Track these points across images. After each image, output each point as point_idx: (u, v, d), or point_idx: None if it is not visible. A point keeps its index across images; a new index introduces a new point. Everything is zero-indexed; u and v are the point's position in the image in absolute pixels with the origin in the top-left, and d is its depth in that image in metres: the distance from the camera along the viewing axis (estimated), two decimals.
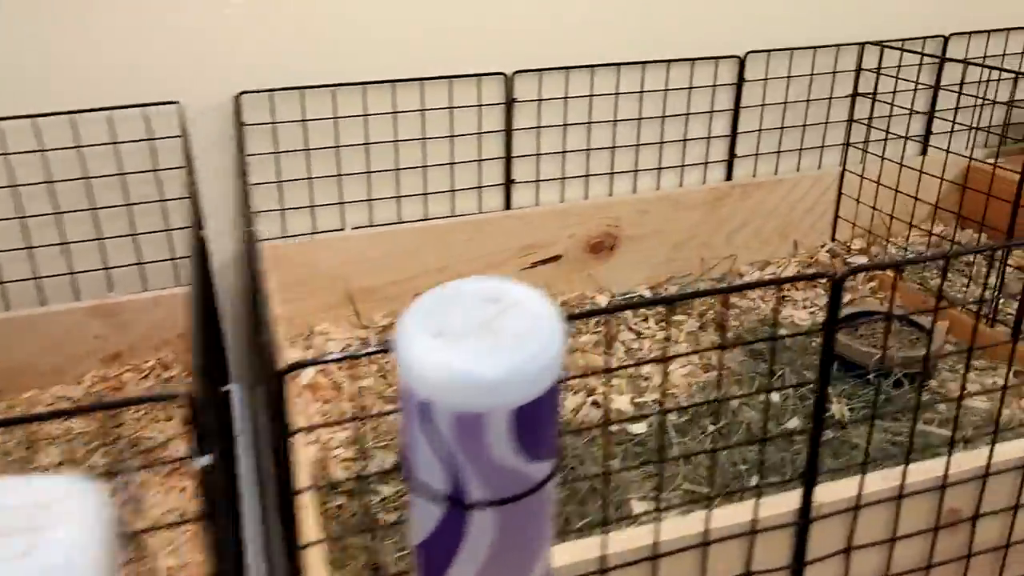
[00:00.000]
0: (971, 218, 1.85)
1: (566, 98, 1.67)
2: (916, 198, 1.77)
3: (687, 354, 1.53)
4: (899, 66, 1.76)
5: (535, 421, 0.45)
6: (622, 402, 1.40)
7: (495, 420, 0.44)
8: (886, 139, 1.84)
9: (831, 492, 0.81)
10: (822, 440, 1.29)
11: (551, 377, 0.44)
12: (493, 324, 0.45)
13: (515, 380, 0.43)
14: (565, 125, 1.69)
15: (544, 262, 1.74)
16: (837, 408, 1.33)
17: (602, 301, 1.75)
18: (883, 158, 1.80)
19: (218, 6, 1.41)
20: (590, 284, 1.78)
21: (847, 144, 1.86)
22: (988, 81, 1.87)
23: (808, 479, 0.78)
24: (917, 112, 1.90)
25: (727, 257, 1.87)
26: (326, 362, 1.44)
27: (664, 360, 0.79)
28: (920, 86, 1.84)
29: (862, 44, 1.78)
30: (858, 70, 1.81)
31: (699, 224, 1.82)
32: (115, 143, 1.38)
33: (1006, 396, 1.39)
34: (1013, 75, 1.57)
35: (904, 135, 1.86)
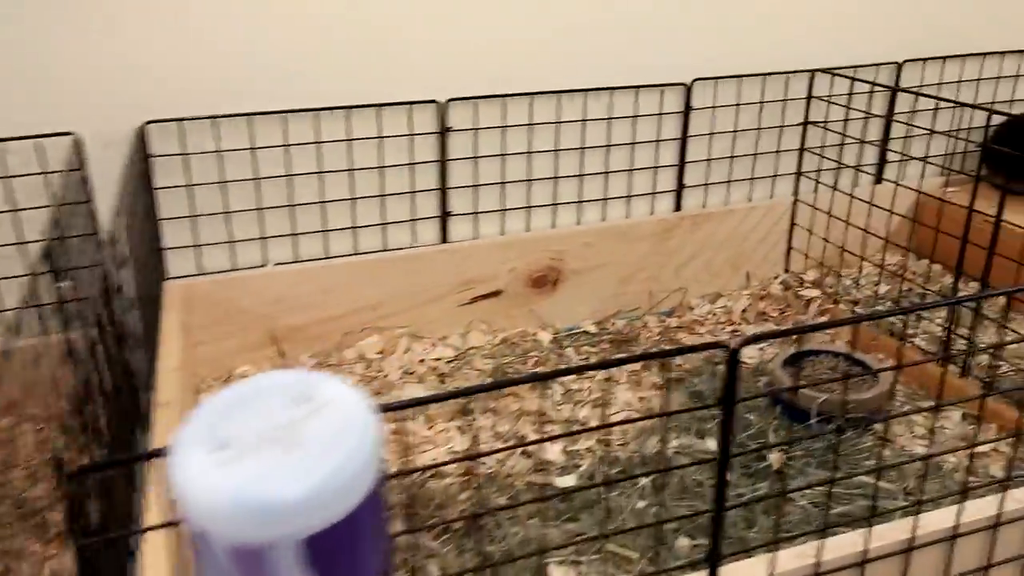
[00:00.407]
0: (923, 251, 1.79)
1: (504, 127, 1.60)
2: (866, 231, 1.70)
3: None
4: (850, 94, 1.71)
5: (339, 548, 0.37)
6: (553, 451, 1.32)
7: (282, 553, 0.36)
8: (839, 168, 1.78)
9: (735, 573, 0.73)
10: (757, 490, 1.23)
11: (360, 492, 0.36)
12: (296, 430, 0.37)
13: (310, 504, 0.35)
14: (503, 155, 1.62)
15: (484, 297, 1.66)
16: (775, 457, 1.25)
17: (544, 338, 1.67)
18: (835, 188, 1.74)
19: (120, 32, 1.33)
20: (532, 320, 1.70)
21: (799, 173, 1.79)
22: (938, 110, 1.81)
23: (712, 562, 0.70)
24: (868, 142, 1.85)
25: (677, 290, 1.80)
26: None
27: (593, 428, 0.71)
28: (869, 115, 1.79)
29: (812, 71, 1.73)
30: (809, 98, 1.75)
31: (647, 256, 1.75)
32: (6, 176, 1.29)
33: (951, 443, 1.32)
34: (960, 105, 1.51)
35: (857, 164, 1.80)
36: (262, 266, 1.53)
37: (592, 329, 1.72)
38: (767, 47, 1.73)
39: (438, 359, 1.59)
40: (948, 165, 1.95)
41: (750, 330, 1.74)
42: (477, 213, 1.65)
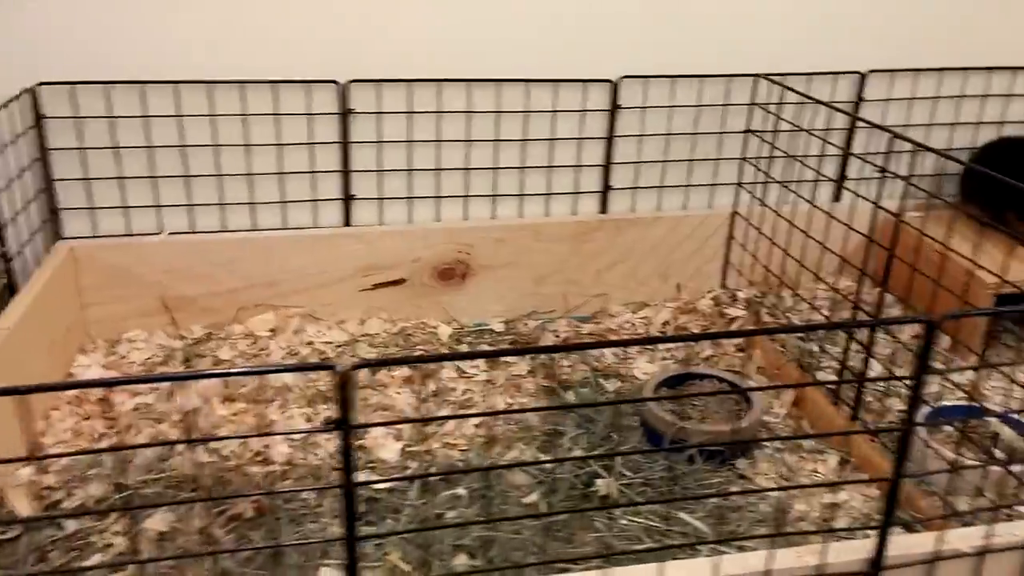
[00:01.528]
0: (877, 278, 1.66)
1: (410, 113, 1.56)
2: (796, 256, 1.59)
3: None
4: (801, 103, 1.59)
5: None
6: (391, 451, 1.28)
7: None
8: (787, 182, 1.66)
9: None
10: (585, 515, 1.14)
11: None
12: None
13: None
14: (410, 142, 1.58)
15: (386, 284, 1.64)
16: (605, 483, 1.18)
17: (444, 332, 1.63)
18: (762, 203, 1.62)
19: None
20: (437, 312, 1.66)
21: (739, 184, 1.69)
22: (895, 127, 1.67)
23: None
24: (804, 157, 1.72)
25: (597, 295, 1.73)
26: None
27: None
28: (801, 129, 1.66)
29: (756, 76, 1.62)
30: (751, 105, 1.64)
31: (565, 258, 1.69)
32: None
33: (803, 488, 1.22)
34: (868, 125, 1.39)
35: (796, 179, 1.68)
36: (157, 234, 1.54)
37: (499, 328, 1.67)
38: (707, 48, 1.63)
39: (328, 342, 1.58)
40: (918, 187, 1.80)
41: (666, 344, 1.65)
42: (382, 199, 1.62)
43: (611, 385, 1.49)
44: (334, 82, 1.50)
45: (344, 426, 0.62)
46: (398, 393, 1.43)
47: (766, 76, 1.59)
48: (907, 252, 1.73)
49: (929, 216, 1.73)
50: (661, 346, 1.64)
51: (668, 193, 1.73)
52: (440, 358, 1.43)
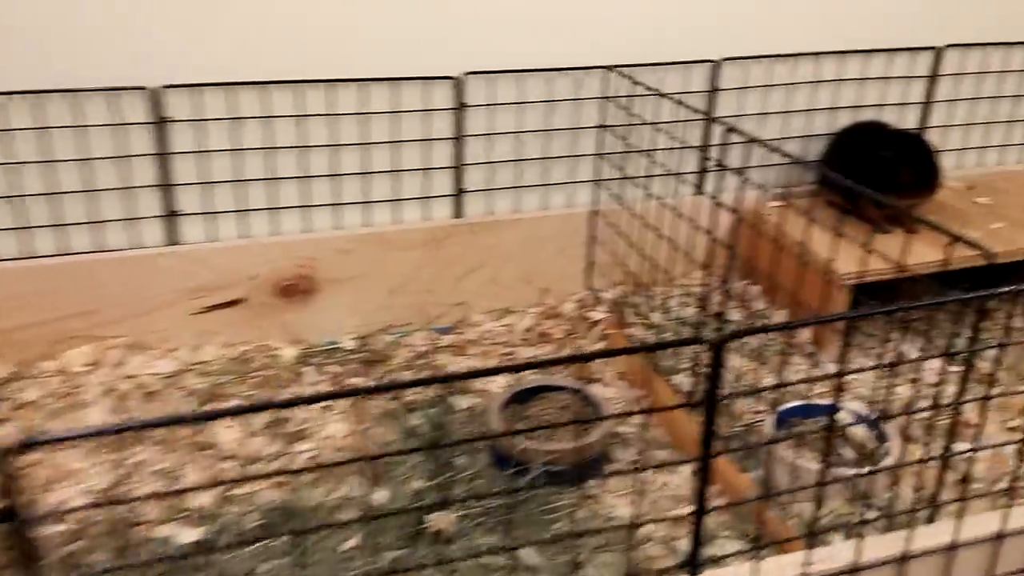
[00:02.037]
0: (744, 271, 1.62)
1: (235, 119, 1.43)
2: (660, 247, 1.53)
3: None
4: (645, 95, 1.52)
5: None
6: (208, 495, 1.16)
7: None
8: (640, 177, 1.60)
9: None
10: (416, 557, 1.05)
11: None
12: None
13: None
14: (238, 150, 1.45)
15: (221, 306, 1.51)
16: (443, 518, 1.09)
17: (288, 354, 1.51)
18: (621, 201, 1.56)
19: None
20: (281, 333, 1.54)
21: (597, 181, 1.62)
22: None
23: None
24: (674, 148, 1.67)
25: (457, 304, 1.64)
26: None
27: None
28: (644, 123, 1.60)
29: (607, 68, 1.55)
30: (605, 98, 1.57)
31: (419, 267, 1.59)
32: None
33: (653, 506, 1.16)
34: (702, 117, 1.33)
35: (646, 174, 1.62)
36: None
37: (351, 345, 1.56)
38: (558, 40, 1.55)
39: (156, 374, 1.44)
40: (750, 179, 1.77)
41: (528, 352, 1.58)
42: (212, 213, 1.48)
43: (464, 401, 1.40)
44: (143, 88, 1.36)
45: None
46: (228, 427, 1.31)
47: (616, 68, 1.53)
48: (767, 244, 1.70)
49: (791, 206, 1.71)
50: (521, 356, 1.56)
51: (526, 193, 1.65)
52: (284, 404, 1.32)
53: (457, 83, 1.51)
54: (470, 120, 1.55)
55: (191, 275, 1.47)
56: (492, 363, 1.53)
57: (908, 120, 1.82)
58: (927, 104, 1.81)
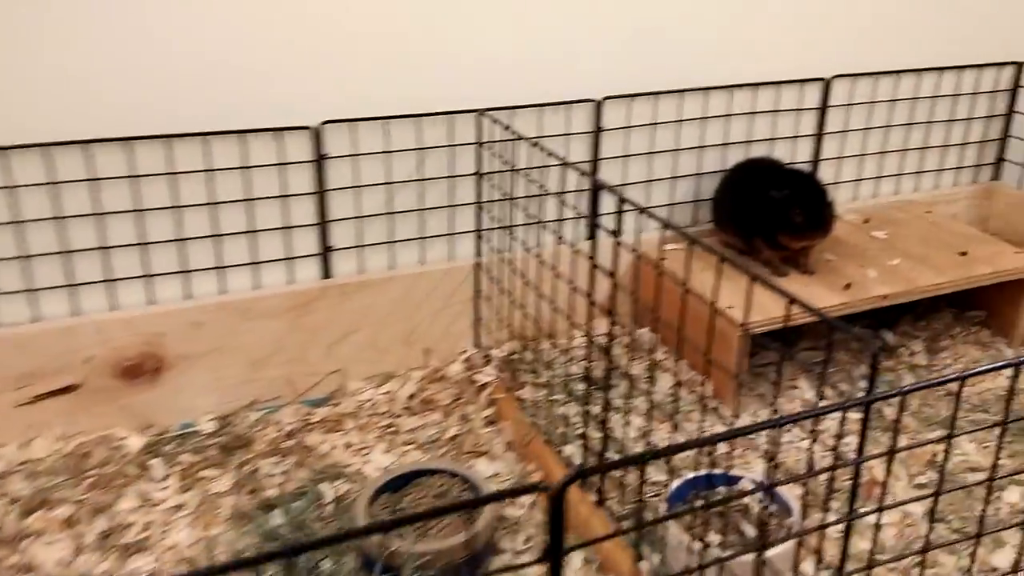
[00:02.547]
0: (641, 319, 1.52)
1: (54, 183, 1.25)
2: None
3: None
4: (510, 141, 1.41)
5: None
6: None
7: None
8: (517, 226, 1.48)
9: None
10: None
11: None
12: None
13: None
14: (61, 217, 1.28)
15: (53, 394, 1.32)
16: None
17: (134, 443, 1.32)
18: (535, 247, 1.44)
19: None
20: (126, 419, 1.36)
21: (478, 232, 1.50)
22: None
23: None
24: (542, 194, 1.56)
25: (333, 373, 1.49)
26: None
27: None
28: (525, 168, 1.50)
29: (480, 111, 1.43)
30: (479, 143, 1.46)
31: (285, 335, 1.43)
32: None
33: None
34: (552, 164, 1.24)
35: (556, 218, 1.50)
36: None
37: (209, 427, 1.38)
38: (426, 83, 1.43)
39: None
40: (600, 225, 1.68)
41: (410, 423, 1.43)
42: (34, 290, 1.30)
43: (333, 490, 1.25)
44: None
45: None
46: (50, 544, 1.12)
47: (487, 112, 1.41)
48: (664, 289, 1.61)
49: (688, 248, 1.62)
50: (404, 428, 1.42)
51: (401, 248, 1.51)
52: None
53: (315, 133, 1.37)
54: (332, 172, 1.41)
55: (13, 360, 1.28)
56: (371, 437, 1.38)
57: (801, 153, 1.76)
58: (819, 136, 1.76)
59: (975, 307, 1.71)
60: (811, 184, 1.47)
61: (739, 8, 1.61)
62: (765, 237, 1.49)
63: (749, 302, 1.48)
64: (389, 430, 1.41)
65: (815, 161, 1.78)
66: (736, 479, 1.16)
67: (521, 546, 1.16)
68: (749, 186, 1.53)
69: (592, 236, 1.27)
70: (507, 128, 1.34)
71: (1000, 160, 1.95)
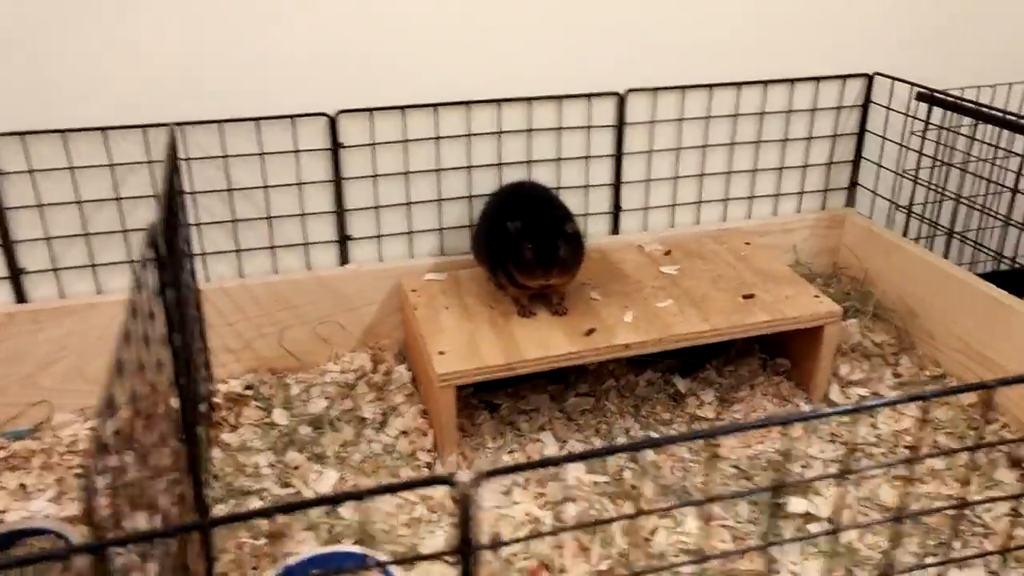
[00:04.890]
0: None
1: None
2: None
3: None
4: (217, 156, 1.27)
5: None
6: None
7: None
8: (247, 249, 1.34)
9: None
10: None
11: None
12: None
13: None
14: None
15: None
16: None
17: None
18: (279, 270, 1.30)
19: None
20: None
21: (201, 255, 1.36)
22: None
23: None
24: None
25: (35, 404, 1.38)
26: None
27: None
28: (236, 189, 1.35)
29: (169, 125, 1.29)
30: (173, 158, 1.32)
31: None
32: None
33: None
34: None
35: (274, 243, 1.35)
36: None
37: None
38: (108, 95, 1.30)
39: None
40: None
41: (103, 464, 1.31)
42: None
43: None
44: None
45: None
46: None
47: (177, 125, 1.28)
48: (412, 325, 1.45)
49: (450, 280, 1.45)
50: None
51: (108, 272, 1.39)
52: None
53: None
54: (12, 189, 1.29)
55: None
56: (53, 477, 1.27)
57: (602, 175, 1.57)
58: (618, 157, 1.57)
59: (783, 355, 1.51)
60: (552, 215, 1.29)
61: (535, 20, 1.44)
62: (505, 272, 1.32)
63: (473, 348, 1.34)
64: (73, 469, 1.29)
65: (616, 184, 1.59)
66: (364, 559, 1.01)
67: None
68: (496, 214, 1.36)
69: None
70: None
71: (854, 184, 1.73)
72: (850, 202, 1.74)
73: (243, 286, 1.44)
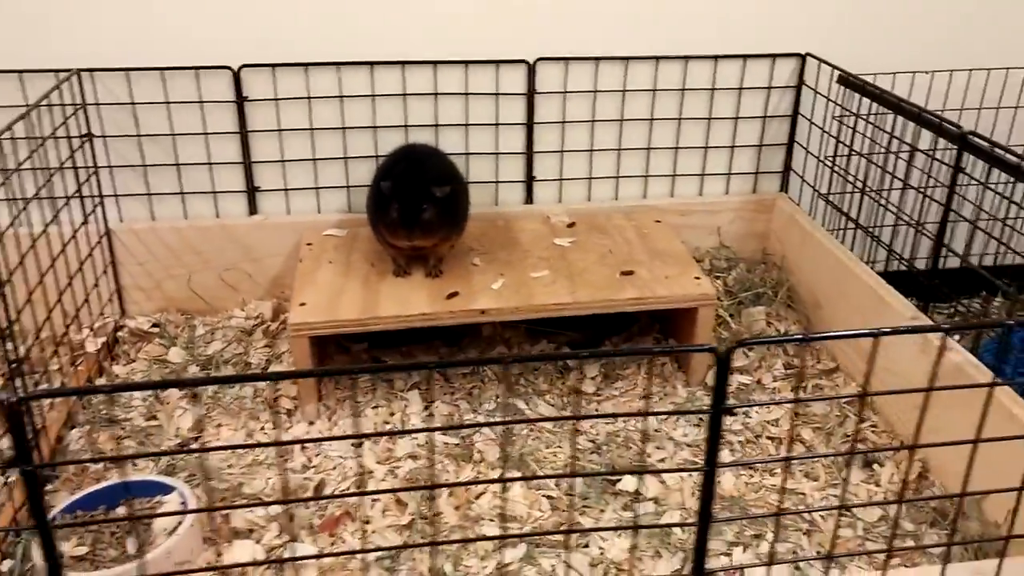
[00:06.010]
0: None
1: None
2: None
3: None
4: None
5: None
6: None
7: None
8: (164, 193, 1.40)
9: None
10: None
11: None
12: None
13: None
14: None
15: None
16: None
17: None
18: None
19: None
20: None
21: (93, 198, 1.44)
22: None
23: None
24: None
25: None
26: None
27: None
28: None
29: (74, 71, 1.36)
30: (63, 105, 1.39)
31: None
32: None
33: None
34: None
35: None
36: None
37: None
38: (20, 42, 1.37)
39: None
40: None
41: None
42: None
43: None
44: None
45: None
46: None
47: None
48: None
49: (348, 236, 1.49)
50: None
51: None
52: None
53: None
54: None
55: None
56: None
57: (514, 143, 1.57)
58: (529, 126, 1.56)
59: (674, 335, 1.49)
60: (424, 178, 1.31)
61: None
62: (376, 231, 1.35)
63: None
64: None
65: (528, 154, 1.59)
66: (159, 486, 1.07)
67: None
68: (378, 175, 1.38)
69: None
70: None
71: (788, 169, 1.68)
72: (784, 187, 1.69)
73: (152, 229, 1.52)
